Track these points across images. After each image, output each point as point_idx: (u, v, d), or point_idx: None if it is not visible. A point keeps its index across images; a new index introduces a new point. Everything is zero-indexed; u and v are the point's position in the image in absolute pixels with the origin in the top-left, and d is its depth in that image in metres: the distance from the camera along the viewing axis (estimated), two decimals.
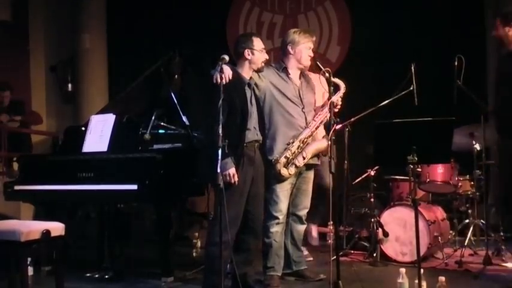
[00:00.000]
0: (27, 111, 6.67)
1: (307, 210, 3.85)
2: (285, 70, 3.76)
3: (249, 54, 3.47)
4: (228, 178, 3.20)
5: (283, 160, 3.58)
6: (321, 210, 4.41)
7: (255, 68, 3.55)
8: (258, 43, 3.52)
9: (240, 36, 3.76)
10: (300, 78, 3.81)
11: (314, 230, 4.38)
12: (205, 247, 3.47)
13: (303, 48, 3.73)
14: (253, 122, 3.50)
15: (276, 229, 3.68)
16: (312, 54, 3.75)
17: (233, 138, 3.22)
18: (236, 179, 3.24)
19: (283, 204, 3.68)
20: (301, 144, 3.61)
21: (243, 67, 3.49)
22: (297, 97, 3.72)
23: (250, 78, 3.55)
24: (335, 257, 3.29)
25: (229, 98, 3.24)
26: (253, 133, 3.48)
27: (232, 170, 3.22)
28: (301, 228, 3.88)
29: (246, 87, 3.50)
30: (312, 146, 3.65)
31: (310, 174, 3.82)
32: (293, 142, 3.61)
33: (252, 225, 3.48)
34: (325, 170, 4.00)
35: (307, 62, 3.75)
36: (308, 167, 3.77)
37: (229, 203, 3.06)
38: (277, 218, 3.66)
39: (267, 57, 3.59)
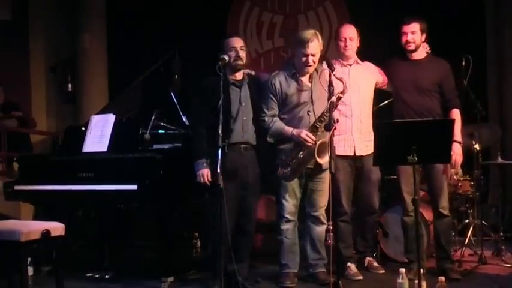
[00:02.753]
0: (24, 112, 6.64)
1: (324, 209, 3.81)
2: (294, 74, 3.74)
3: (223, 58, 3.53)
4: (200, 179, 3.46)
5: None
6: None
7: (233, 67, 3.62)
8: (227, 43, 3.64)
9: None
10: (310, 78, 3.75)
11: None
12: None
13: (298, 52, 3.68)
14: (239, 122, 3.57)
15: (287, 227, 3.78)
16: (309, 62, 3.62)
17: (211, 140, 3.25)
18: (208, 179, 3.45)
19: (289, 204, 3.75)
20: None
21: (226, 70, 3.54)
22: (307, 98, 3.70)
23: (242, 78, 3.66)
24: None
25: (208, 100, 3.40)
26: (238, 135, 3.58)
27: (202, 171, 3.46)
28: (320, 229, 3.83)
29: (233, 87, 3.60)
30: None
31: (325, 175, 3.76)
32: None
33: (244, 226, 3.67)
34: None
35: (302, 67, 3.68)
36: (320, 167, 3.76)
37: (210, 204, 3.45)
38: (285, 217, 3.77)
39: (238, 54, 3.60)
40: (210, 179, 3.45)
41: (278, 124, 3.70)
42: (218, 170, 3.17)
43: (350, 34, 3.98)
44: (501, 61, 6.10)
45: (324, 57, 3.77)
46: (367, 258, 4.12)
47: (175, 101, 4.23)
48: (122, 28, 6.98)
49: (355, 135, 3.91)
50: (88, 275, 4.06)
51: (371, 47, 6.25)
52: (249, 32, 6.84)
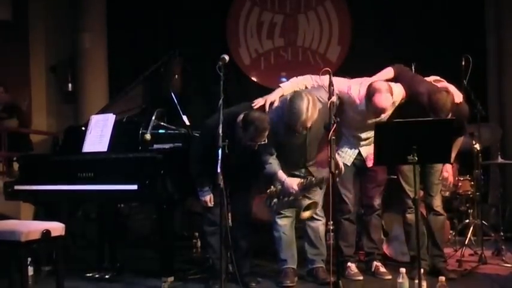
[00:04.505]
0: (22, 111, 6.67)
1: (319, 207, 3.82)
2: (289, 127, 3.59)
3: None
4: (205, 204, 3.68)
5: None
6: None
7: (248, 144, 3.55)
8: (255, 131, 3.45)
9: (257, 119, 3.49)
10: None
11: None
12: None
13: (288, 120, 3.51)
14: (231, 170, 3.44)
15: (284, 222, 3.81)
16: (299, 131, 3.51)
17: (211, 170, 3.26)
18: (211, 204, 3.66)
19: None
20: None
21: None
22: (301, 142, 3.68)
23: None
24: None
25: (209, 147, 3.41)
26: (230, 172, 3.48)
27: (206, 198, 3.67)
28: (315, 225, 3.84)
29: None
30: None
31: (322, 175, 3.76)
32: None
33: (238, 217, 3.78)
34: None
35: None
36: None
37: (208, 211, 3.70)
38: (282, 212, 3.80)
39: (255, 144, 3.53)
40: (213, 202, 3.66)
41: (273, 167, 3.64)
42: (218, 170, 3.18)
43: (386, 112, 3.65)
44: (501, 61, 6.11)
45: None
46: (375, 263, 4.02)
47: (175, 101, 4.22)
48: (122, 28, 6.98)
49: (363, 149, 3.89)
50: (88, 275, 4.06)
51: (371, 46, 6.30)
52: (249, 31, 6.84)
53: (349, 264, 3.93)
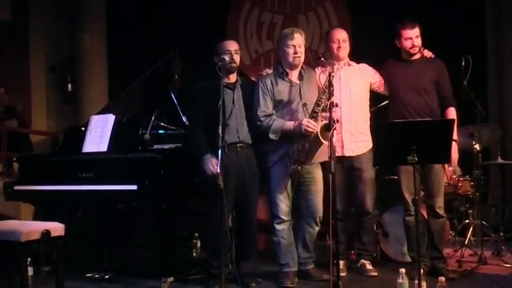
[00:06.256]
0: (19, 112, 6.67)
1: (320, 212, 3.80)
2: (282, 73, 3.79)
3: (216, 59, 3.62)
4: (210, 171, 3.47)
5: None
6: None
7: (228, 69, 3.69)
8: (221, 46, 3.73)
9: None
10: (299, 75, 3.78)
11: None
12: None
13: (284, 47, 3.76)
14: (233, 123, 3.68)
15: (282, 227, 3.80)
16: (297, 52, 3.70)
17: (213, 141, 3.33)
18: (219, 170, 3.26)
19: (283, 204, 3.76)
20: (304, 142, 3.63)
21: (222, 72, 3.57)
22: (297, 96, 3.73)
23: (236, 81, 3.77)
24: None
25: (204, 102, 3.56)
26: (233, 135, 3.67)
27: (211, 163, 3.49)
28: (314, 231, 3.85)
29: (226, 90, 3.66)
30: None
31: (317, 174, 3.80)
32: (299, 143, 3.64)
33: (244, 223, 3.80)
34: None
35: (290, 60, 3.73)
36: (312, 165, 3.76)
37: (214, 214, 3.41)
38: (280, 217, 3.78)
39: (232, 58, 3.69)
40: (219, 168, 3.29)
41: (278, 121, 3.70)
42: (218, 170, 3.19)
43: (343, 36, 4.01)
44: (501, 61, 6.10)
45: (322, 59, 3.92)
46: (361, 261, 4.08)
47: (175, 101, 4.23)
48: (122, 28, 6.98)
49: (346, 136, 3.90)
50: (88, 275, 4.06)
51: (370, 47, 6.29)
52: (249, 32, 6.84)
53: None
